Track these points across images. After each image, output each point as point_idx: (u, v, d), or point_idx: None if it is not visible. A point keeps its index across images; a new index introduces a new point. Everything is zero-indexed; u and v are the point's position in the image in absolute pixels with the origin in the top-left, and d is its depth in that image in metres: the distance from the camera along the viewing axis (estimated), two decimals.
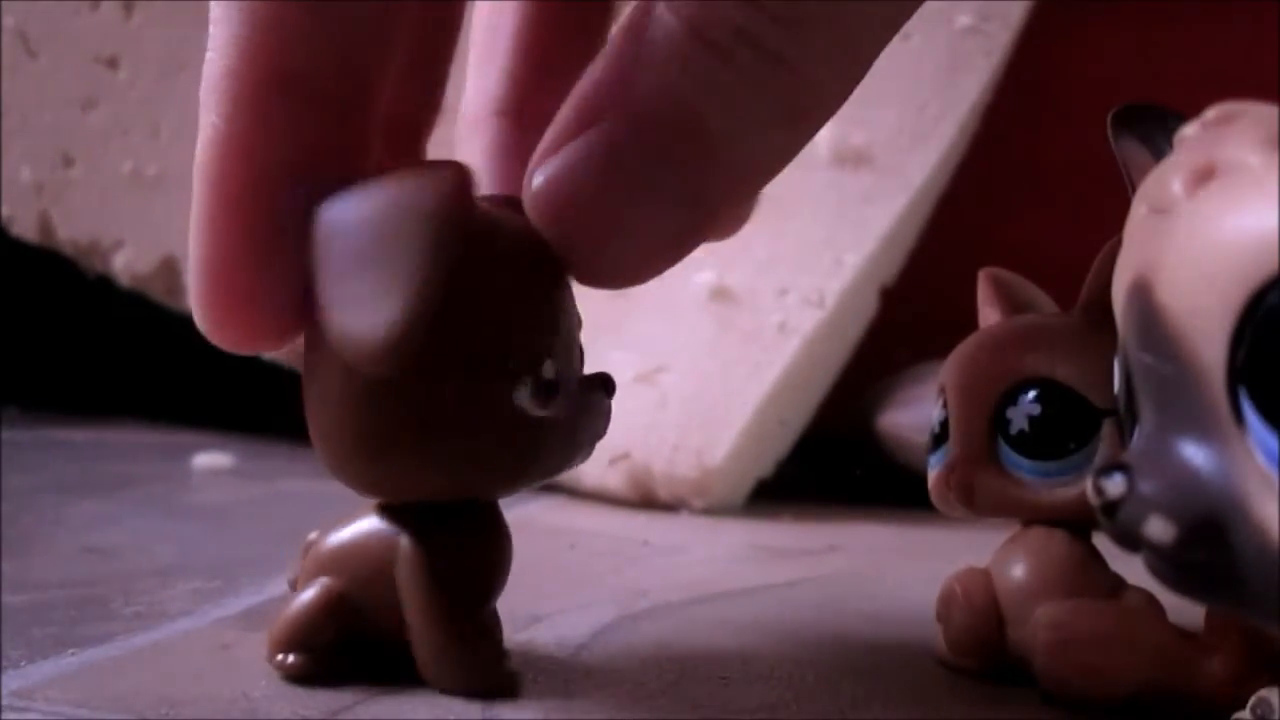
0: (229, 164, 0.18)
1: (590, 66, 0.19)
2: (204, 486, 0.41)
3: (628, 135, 0.18)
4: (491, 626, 0.20)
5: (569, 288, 0.20)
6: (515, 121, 0.23)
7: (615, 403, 0.20)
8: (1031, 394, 0.22)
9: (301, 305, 0.18)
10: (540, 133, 0.19)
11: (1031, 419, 0.21)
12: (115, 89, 0.48)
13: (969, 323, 0.24)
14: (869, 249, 0.42)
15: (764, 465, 0.43)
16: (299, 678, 0.20)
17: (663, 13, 0.18)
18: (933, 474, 0.23)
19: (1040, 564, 0.22)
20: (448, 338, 0.18)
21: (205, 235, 0.18)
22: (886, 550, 0.36)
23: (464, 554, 0.20)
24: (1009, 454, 0.22)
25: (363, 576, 0.20)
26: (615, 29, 0.19)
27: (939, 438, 0.23)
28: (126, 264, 0.49)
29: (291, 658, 0.20)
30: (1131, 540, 0.14)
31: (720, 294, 0.42)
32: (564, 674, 0.21)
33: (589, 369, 0.20)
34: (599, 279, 0.19)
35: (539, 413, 0.19)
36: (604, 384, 0.20)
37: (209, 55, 0.18)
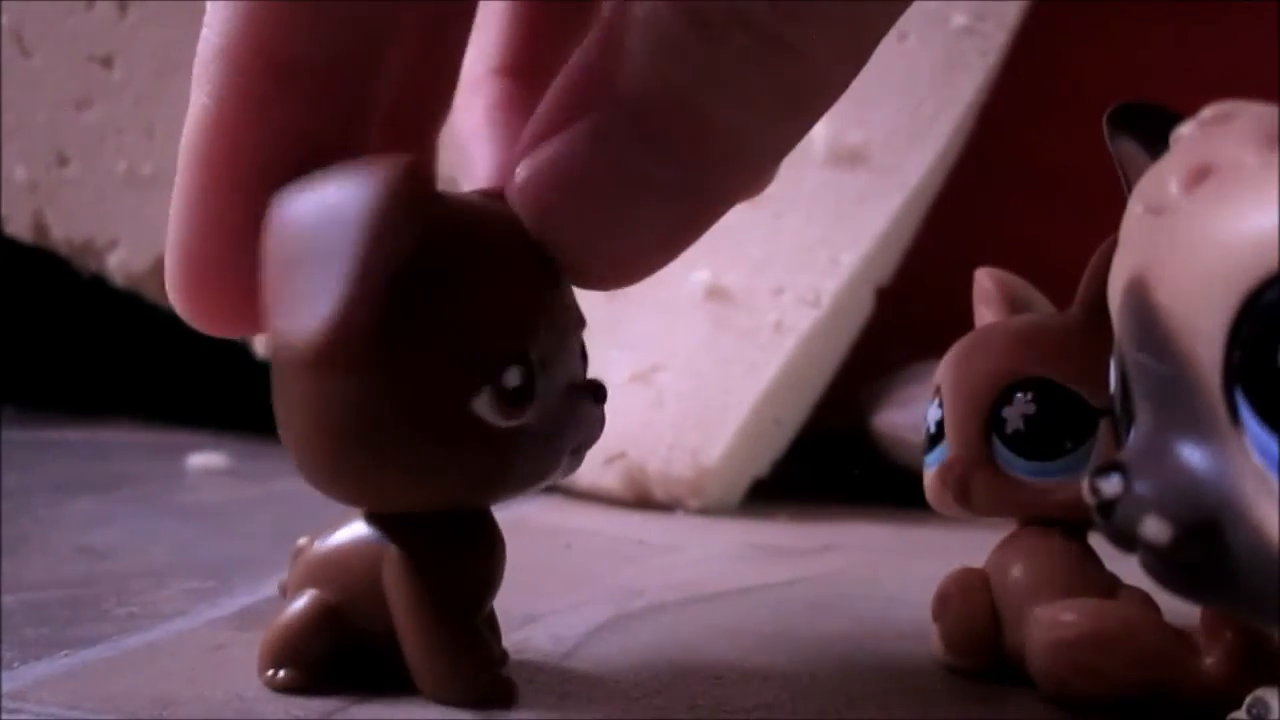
0: (215, 145, 0.18)
1: (577, 52, 0.18)
2: (199, 486, 0.41)
3: (618, 125, 0.17)
4: (485, 633, 0.20)
5: (560, 287, 0.19)
6: (515, 79, 0.22)
7: (610, 402, 0.19)
8: (1027, 394, 0.22)
9: None
10: (540, 91, 0.18)
11: (1027, 419, 0.21)
12: (110, 88, 0.48)
13: (965, 322, 0.24)
14: (865, 248, 0.42)
15: (760, 465, 0.43)
16: (291, 692, 0.19)
17: None
18: (929, 473, 0.23)
19: (1036, 564, 0.22)
20: (400, 341, 0.17)
21: (184, 214, 0.18)
22: (883, 550, 0.36)
23: (453, 562, 0.19)
24: (1005, 453, 0.22)
25: (351, 587, 0.19)
26: (603, 12, 0.18)
27: (935, 437, 0.23)
28: (121, 263, 0.49)
29: (283, 673, 0.19)
30: (1127, 540, 0.14)
31: (716, 293, 0.42)
32: (559, 674, 0.21)
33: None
34: (592, 278, 0.19)
35: (503, 423, 0.18)
36: (592, 391, 0.19)
37: (204, 33, 0.18)
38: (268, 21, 0.17)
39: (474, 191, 0.19)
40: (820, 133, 0.42)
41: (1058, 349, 0.22)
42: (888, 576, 0.32)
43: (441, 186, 0.18)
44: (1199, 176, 0.13)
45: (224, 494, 0.41)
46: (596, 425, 0.19)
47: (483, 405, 0.17)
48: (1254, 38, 0.46)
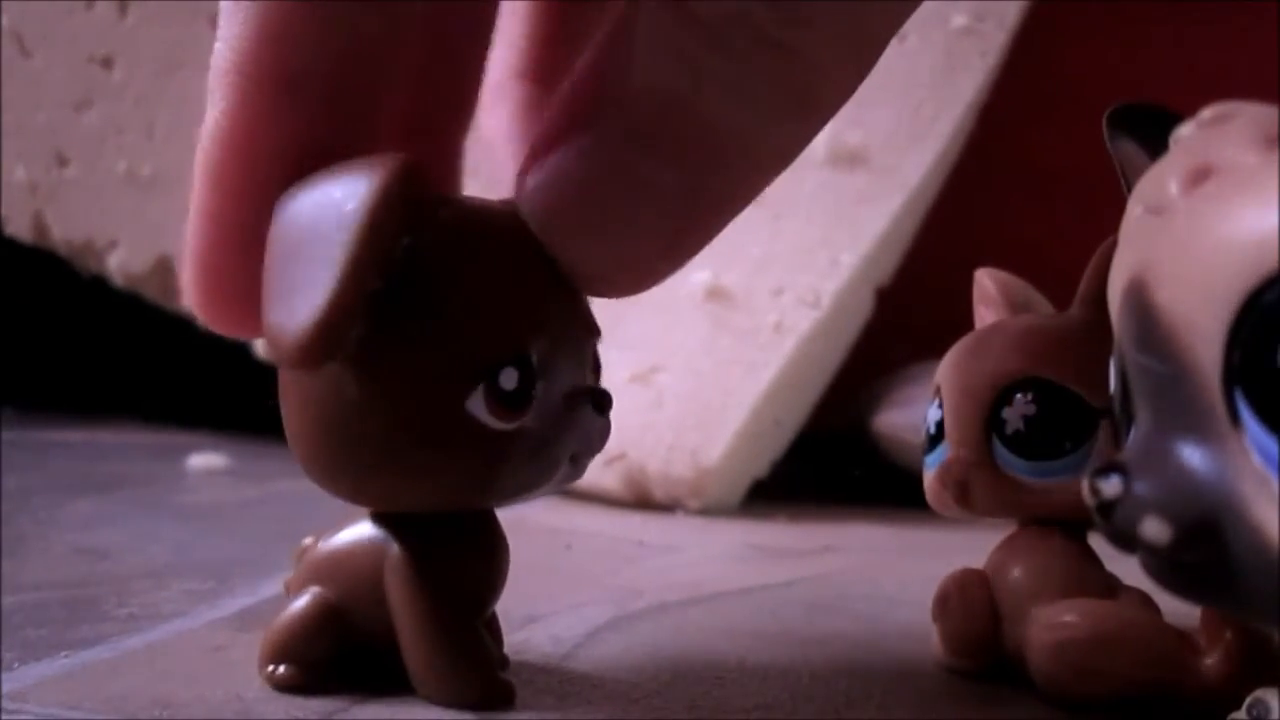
0: (228, 155, 0.18)
1: (581, 61, 0.18)
2: (199, 487, 0.41)
3: (624, 133, 0.17)
4: (485, 635, 0.19)
5: (566, 293, 0.19)
6: (539, 83, 0.22)
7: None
8: (1027, 394, 0.22)
9: None
10: None
11: (1027, 419, 0.21)
12: (110, 89, 0.48)
13: (965, 323, 0.24)
14: (865, 249, 0.42)
15: (760, 465, 0.43)
16: (290, 689, 0.19)
17: (657, 2, 0.17)
18: (929, 474, 0.23)
19: (1036, 564, 0.22)
20: (395, 338, 0.17)
21: (200, 223, 0.18)
22: (882, 550, 0.36)
23: (455, 563, 0.19)
24: (1005, 454, 0.22)
25: (353, 586, 0.19)
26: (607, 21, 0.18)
27: (935, 438, 0.23)
28: (121, 264, 0.49)
29: (282, 669, 0.19)
30: (1127, 541, 0.14)
31: (716, 294, 0.42)
32: (559, 674, 0.21)
33: None
34: (600, 286, 0.19)
35: (498, 425, 0.18)
36: (594, 398, 0.19)
37: (217, 45, 0.18)
38: (278, 34, 0.18)
39: (499, 200, 0.19)
40: (820, 133, 0.42)
41: (1058, 349, 0.22)
42: (888, 576, 0.31)
43: (476, 189, 0.18)
44: (1199, 177, 0.13)
45: (224, 494, 0.41)
46: (598, 433, 0.19)
47: (477, 406, 0.17)
48: (1254, 38, 0.46)
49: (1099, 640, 0.20)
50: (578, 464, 0.19)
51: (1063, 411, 0.21)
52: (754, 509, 0.41)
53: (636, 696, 0.20)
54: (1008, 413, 0.22)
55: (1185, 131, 0.15)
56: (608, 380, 0.20)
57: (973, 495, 0.22)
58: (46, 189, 0.49)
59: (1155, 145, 0.15)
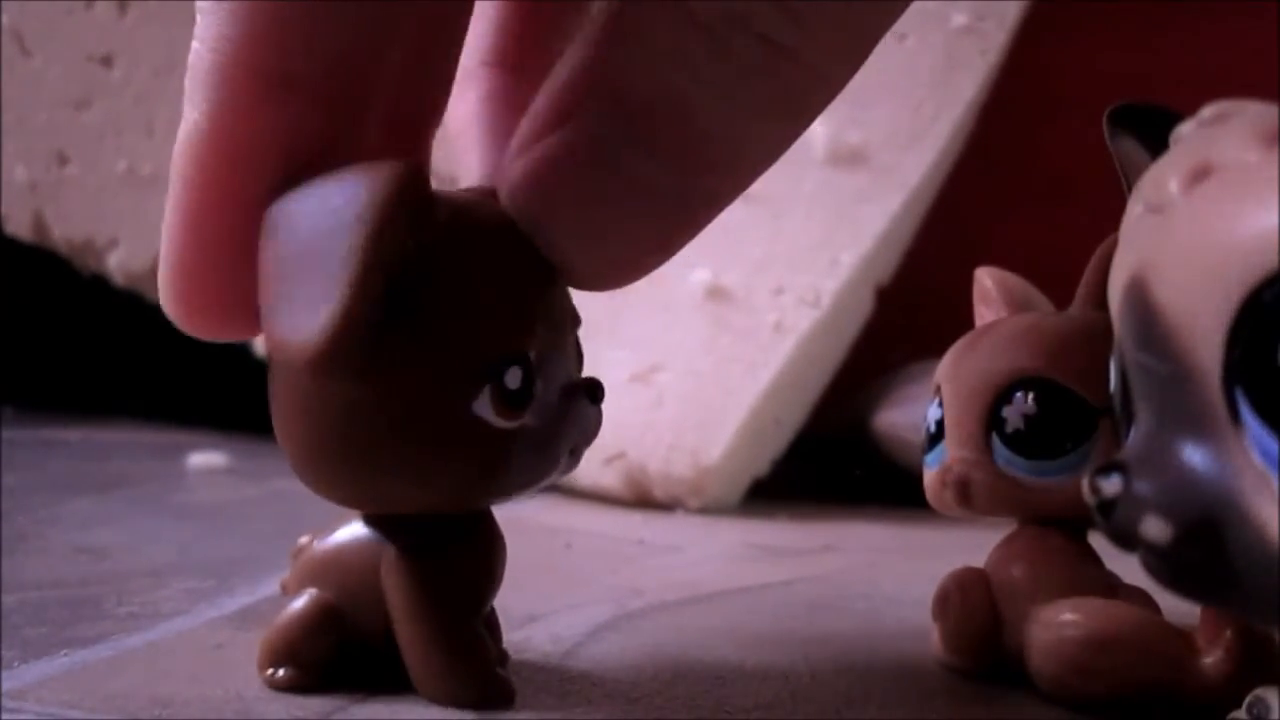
0: (207, 158, 0.18)
1: (570, 49, 0.17)
2: (198, 486, 0.41)
3: (612, 126, 0.17)
4: (484, 633, 0.19)
5: (555, 286, 0.19)
6: (506, 72, 0.22)
7: (610, 402, 0.19)
8: (1027, 393, 0.22)
9: None
10: (533, 82, 0.18)
11: (1027, 418, 0.21)
12: (110, 88, 0.48)
13: (965, 322, 0.24)
14: (865, 248, 0.42)
15: (760, 464, 0.43)
16: (291, 691, 0.19)
17: (654, 1, 0.17)
18: (929, 473, 0.23)
19: (1036, 563, 0.22)
20: (401, 344, 0.17)
21: (177, 226, 0.18)
22: (882, 550, 0.36)
23: (452, 562, 0.19)
24: (1005, 453, 0.22)
25: (351, 586, 0.19)
26: (595, 12, 0.17)
27: (935, 437, 0.23)
28: (121, 263, 0.49)
29: (282, 672, 0.19)
30: (1128, 539, 0.14)
31: (716, 293, 0.42)
32: (559, 673, 0.21)
33: (586, 370, 0.20)
34: (585, 279, 0.19)
35: (503, 424, 0.18)
36: (589, 390, 0.19)
37: (195, 46, 0.18)
38: (258, 35, 0.17)
39: (468, 189, 0.19)
40: (820, 133, 0.42)
41: (1058, 348, 0.22)
42: (888, 576, 0.31)
43: (435, 183, 0.18)
44: (1199, 176, 0.13)
45: (224, 493, 0.41)
46: (594, 425, 0.19)
47: (483, 406, 0.17)
48: (1254, 37, 0.46)
49: (1099, 639, 0.20)
50: (576, 455, 0.19)
51: (1063, 411, 0.21)
52: (754, 508, 0.41)
53: (636, 695, 0.20)
54: (1008, 412, 0.22)
55: (1185, 130, 0.15)
56: (607, 380, 0.20)
57: (973, 494, 0.22)
58: (46, 188, 0.49)
59: (1155, 144, 0.15)
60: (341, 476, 0.18)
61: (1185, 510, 0.13)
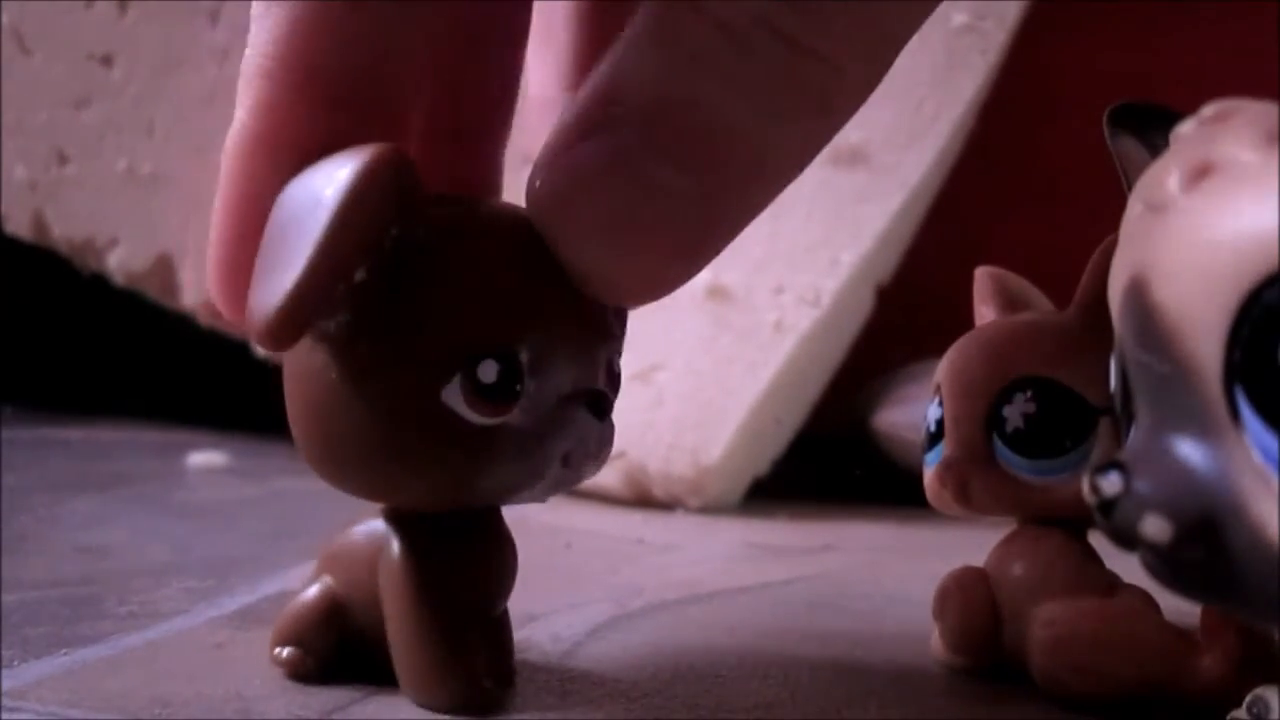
0: (251, 153, 0.18)
1: (598, 63, 0.17)
2: (199, 485, 0.41)
3: (639, 135, 0.17)
4: (477, 639, 0.19)
5: (573, 294, 0.18)
6: None
7: None
8: (1027, 392, 0.22)
9: None
10: None
11: (1027, 417, 0.21)
12: (110, 87, 0.48)
13: (965, 321, 0.24)
14: (865, 248, 0.42)
15: (760, 464, 0.43)
16: (295, 673, 0.20)
17: (674, 4, 0.16)
18: (929, 473, 0.23)
19: (1036, 562, 0.22)
20: (373, 323, 0.17)
21: (223, 219, 0.19)
22: (882, 549, 0.36)
23: (450, 565, 0.19)
24: (1005, 452, 0.22)
25: (352, 577, 0.19)
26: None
27: (935, 436, 0.23)
28: (121, 262, 0.49)
29: (288, 651, 0.20)
30: (1128, 539, 0.14)
31: (716, 292, 0.42)
32: (559, 672, 0.21)
33: None
34: (611, 292, 0.18)
35: (478, 419, 0.17)
36: (591, 400, 0.18)
37: (247, 52, 0.18)
38: (305, 33, 0.18)
39: (514, 205, 0.19)
40: None
41: (1058, 348, 0.22)
42: (888, 576, 0.31)
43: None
44: (1199, 175, 0.13)
45: (224, 493, 0.41)
46: (594, 436, 0.18)
47: (453, 396, 0.17)
48: (1254, 37, 0.46)
49: (1099, 639, 0.20)
50: (571, 465, 0.18)
51: (1063, 410, 0.21)
52: (754, 507, 0.41)
53: (636, 695, 0.20)
54: (1008, 411, 0.22)
55: (1185, 129, 0.15)
56: None
57: (973, 494, 0.22)
58: (46, 187, 0.49)
59: (1155, 143, 0.15)
60: (329, 460, 0.18)
61: (1185, 509, 0.13)
